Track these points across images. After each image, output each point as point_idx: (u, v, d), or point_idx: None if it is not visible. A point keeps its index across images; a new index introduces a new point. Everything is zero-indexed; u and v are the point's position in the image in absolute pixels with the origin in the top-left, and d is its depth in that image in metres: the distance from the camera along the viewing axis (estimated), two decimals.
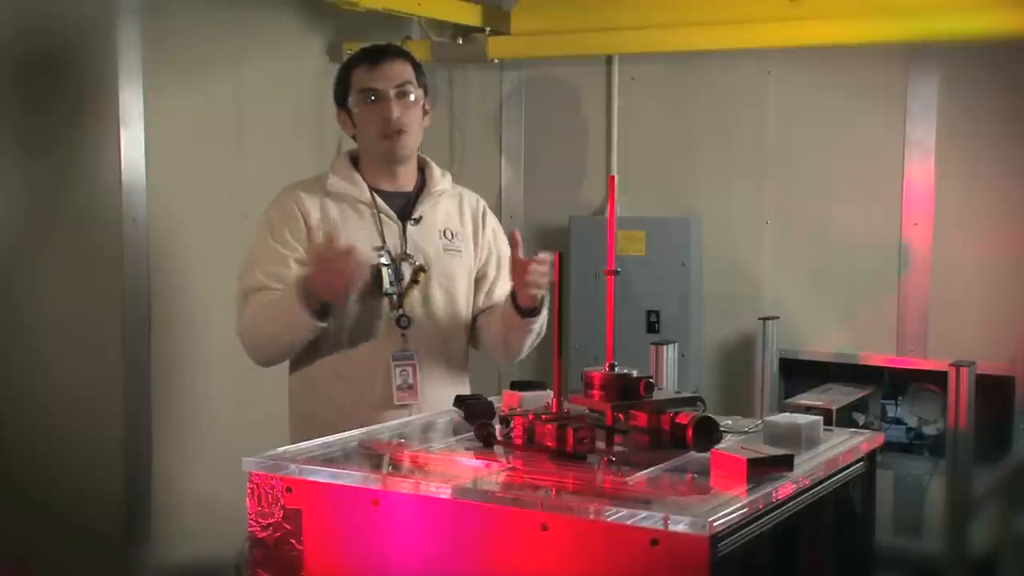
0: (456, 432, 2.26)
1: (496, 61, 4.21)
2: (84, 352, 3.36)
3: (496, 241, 2.92)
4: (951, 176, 3.65)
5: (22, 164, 3.20)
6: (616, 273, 2.09)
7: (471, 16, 4.07)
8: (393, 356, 2.70)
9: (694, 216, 4.00)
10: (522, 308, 2.66)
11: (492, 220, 2.94)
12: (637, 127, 4.15)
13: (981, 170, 3.61)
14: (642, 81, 4.14)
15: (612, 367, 2.03)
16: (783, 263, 3.91)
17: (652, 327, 3.97)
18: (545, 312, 2.71)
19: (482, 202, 2.95)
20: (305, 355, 2.74)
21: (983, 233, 3.61)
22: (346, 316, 2.68)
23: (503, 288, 2.88)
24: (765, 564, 1.92)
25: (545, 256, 2.57)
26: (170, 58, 3.53)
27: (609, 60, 4.15)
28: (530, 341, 2.78)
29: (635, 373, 2.03)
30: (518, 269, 2.62)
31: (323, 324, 2.60)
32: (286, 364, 2.82)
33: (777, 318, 3.80)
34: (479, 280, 2.89)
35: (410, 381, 2.70)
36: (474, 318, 2.89)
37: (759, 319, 3.80)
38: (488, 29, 4.12)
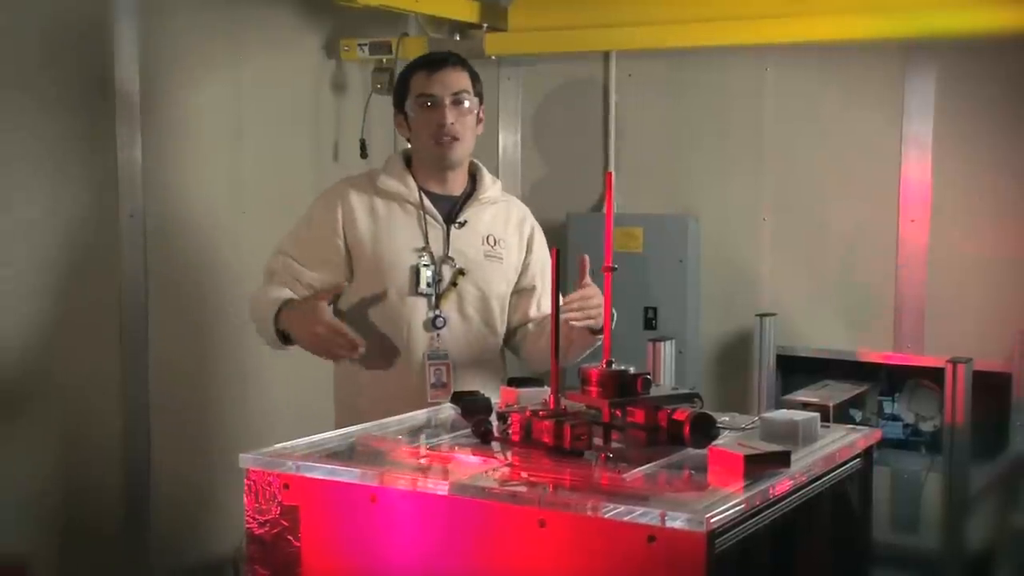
0: (454, 428, 2.26)
1: (493, 58, 4.20)
2: (82, 349, 3.36)
3: (543, 253, 2.97)
4: (948, 172, 3.65)
5: (20, 161, 3.19)
6: (614, 270, 2.09)
7: (468, 12, 4.06)
8: (428, 355, 2.79)
9: (691, 213, 4.00)
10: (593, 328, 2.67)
11: (539, 232, 3.00)
12: (635, 124, 4.15)
13: (978, 166, 3.61)
14: (639, 78, 4.13)
15: (609, 363, 2.03)
16: (780, 260, 3.91)
17: (649, 324, 3.97)
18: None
19: (529, 214, 3.00)
20: None
21: (980, 229, 3.61)
22: (385, 314, 2.78)
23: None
24: (762, 560, 1.93)
25: (589, 288, 2.59)
26: (168, 55, 3.53)
27: (606, 56, 4.15)
28: (589, 351, 2.80)
29: (632, 369, 2.03)
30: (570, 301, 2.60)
31: (284, 349, 2.76)
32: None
33: (774, 315, 3.80)
34: (528, 291, 2.94)
35: (444, 380, 2.79)
36: (518, 327, 2.94)
37: (756, 316, 3.80)
38: (485, 25, 4.11)
